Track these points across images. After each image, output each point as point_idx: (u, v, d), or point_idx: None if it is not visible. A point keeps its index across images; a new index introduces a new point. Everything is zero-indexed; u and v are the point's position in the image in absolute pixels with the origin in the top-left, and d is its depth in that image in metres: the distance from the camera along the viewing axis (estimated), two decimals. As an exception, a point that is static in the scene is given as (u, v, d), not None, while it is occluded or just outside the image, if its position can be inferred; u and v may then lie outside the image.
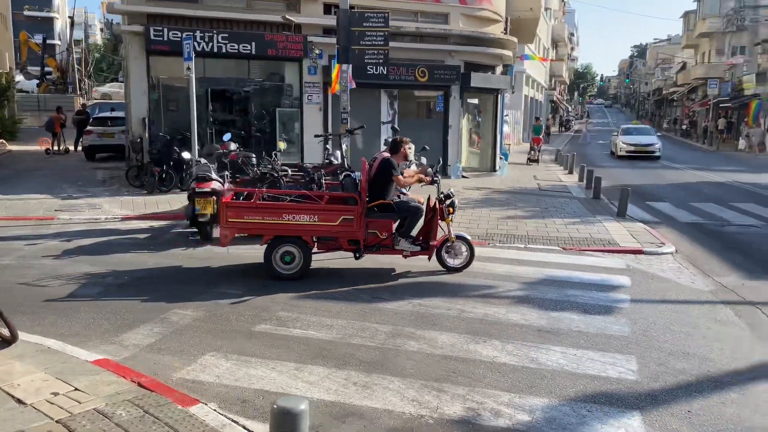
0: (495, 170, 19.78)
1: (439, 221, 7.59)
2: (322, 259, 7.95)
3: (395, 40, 16.53)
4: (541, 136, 26.18)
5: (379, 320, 5.86)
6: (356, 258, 7.55)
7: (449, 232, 7.63)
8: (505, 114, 26.70)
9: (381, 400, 4.25)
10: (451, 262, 7.74)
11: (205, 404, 4.03)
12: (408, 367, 4.80)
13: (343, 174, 8.39)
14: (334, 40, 13.35)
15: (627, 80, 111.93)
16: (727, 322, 6.09)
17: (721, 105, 45.21)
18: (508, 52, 19.17)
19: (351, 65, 11.85)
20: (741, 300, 6.82)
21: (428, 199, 7.79)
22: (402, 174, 7.66)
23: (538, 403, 4.25)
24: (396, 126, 15.22)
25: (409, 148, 7.86)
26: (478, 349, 5.20)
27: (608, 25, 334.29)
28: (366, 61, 11.91)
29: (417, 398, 4.28)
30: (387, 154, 7.60)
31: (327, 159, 11.01)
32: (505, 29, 19.28)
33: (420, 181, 7.85)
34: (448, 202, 7.62)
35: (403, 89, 17.77)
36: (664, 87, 78.01)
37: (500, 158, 21.43)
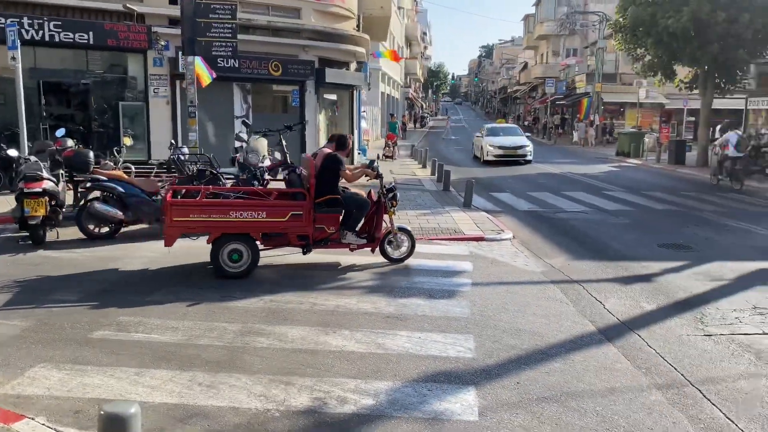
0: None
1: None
2: (164, 261, 7.64)
3: (246, 33, 16.22)
4: (396, 133, 26.76)
5: (229, 319, 5.76)
6: (304, 253, 7.58)
7: (392, 224, 7.85)
8: (362, 110, 27.20)
9: (227, 398, 4.19)
10: (394, 253, 7.94)
11: (32, 419, 3.75)
12: (256, 364, 4.77)
13: (288, 170, 8.27)
14: (180, 31, 12.82)
15: (476, 79, 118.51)
16: (554, 299, 6.69)
17: (557, 102, 49.33)
18: (362, 49, 19.54)
19: (199, 57, 11.46)
20: (567, 279, 7.52)
21: (369, 193, 7.96)
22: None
23: (383, 387, 4.41)
24: (248, 120, 14.93)
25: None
26: (328, 340, 5.29)
27: (459, 26, 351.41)
28: (214, 53, 11.58)
29: (264, 393, 4.27)
30: (328, 150, 7.68)
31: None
32: (358, 26, 19.63)
33: (366, 175, 8.00)
34: (390, 195, 7.80)
35: (258, 83, 17.51)
36: (508, 85, 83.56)
37: (358, 153, 21.82)
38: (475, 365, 4.84)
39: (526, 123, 55.61)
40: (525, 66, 68.46)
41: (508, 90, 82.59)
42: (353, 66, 20.71)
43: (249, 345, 5.14)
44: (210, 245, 7.13)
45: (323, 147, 8.22)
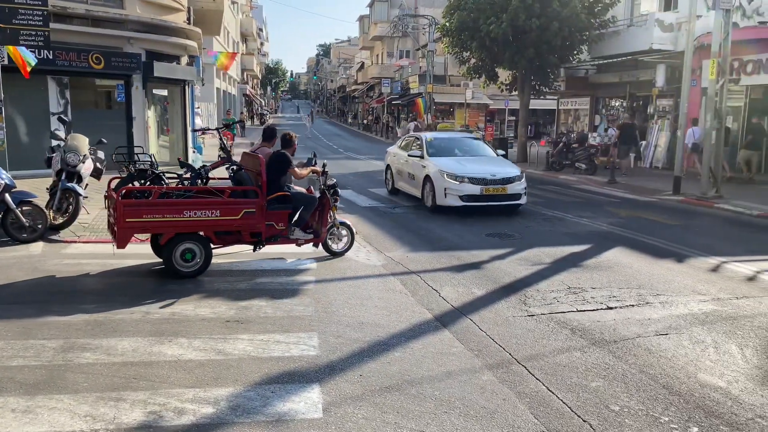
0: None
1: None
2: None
3: (62, 22, 14.86)
4: (233, 131, 25.71)
5: (48, 335, 5.22)
6: (255, 250, 7.77)
7: (334, 218, 8.29)
8: (196, 106, 26.06)
9: (46, 422, 3.78)
10: (335, 246, 8.40)
11: None
12: (81, 382, 4.36)
13: (235, 168, 8.24)
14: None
15: (315, 77, 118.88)
16: (395, 291, 6.91)
17: (393, 102, 51.01)
18: (193, 43, 18.70)
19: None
20: (406, 270, 7.80)
21: (308, 189, 8.26)
22: None
23: (224, 393, 4.25)
24: (66, 117, 13.65)
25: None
26: (163, 349, 4.99)
27: (297, 24, 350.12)
28: (22, 42, 10.41)
29: (91, 413, 3.92)
30: (267, 149, 8.05)
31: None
32: (189, 19, 18.75)
33: (314, 173, 8.21)
34: (332, 191, 8.20)
35: (77, 77, 16.04)
36: (347, 84, 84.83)
37: (193, 152, 20.87)
38: (319, 362, 4.84)
39: (365, 122, 56.90)
40: (362, 66, 69.97)
41: (347, 89, 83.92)
42: (185, 60, 19.77)
43: (72, 362, 4.69)
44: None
45: (260, 145, 8.45)
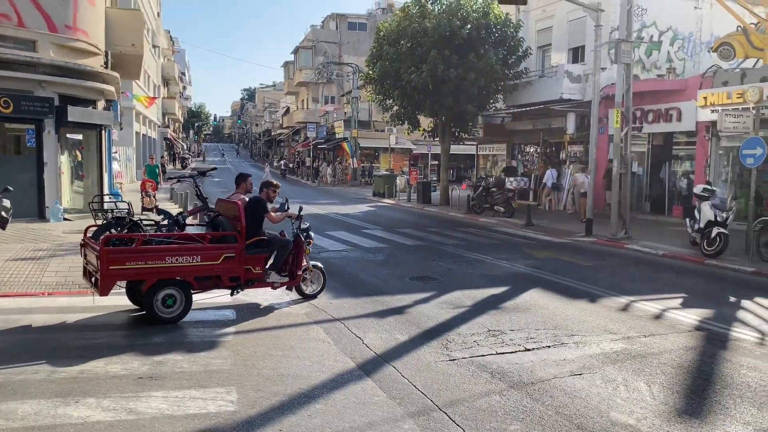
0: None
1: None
2: None
3: (-34, 64, 14.17)
4: (157, 179, 23.96)
5: (-62, 401, 4.81)
6: (232, 294, 7.94)
7: (308, 262, 8.50)
8: (114, 151, 25.20)
9: (-69, 501, 3.46)
10: (308, 289, 8.63)
11: None
12: (-26, 452, 4.04)
13: (213, 215, 8.40)
14: None
15: (239, 121, 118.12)
16: (318, 340, 6.83)
17: (319, 146, 51.32)
18: (110, 87, 18.24)
19: None
20: (330, 318, 7.74)
21: (281, 233, 8.46)
22: None
23: (134, 457, 4.04)
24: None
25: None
26: (69, 411, 4.70)
27: (221, 68, 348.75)
28: None
29: (-16, 487, 3.62)
30: (242, 195, 8.22)
31: None
32: (106, 63, 18.32)
33: (289, 217, 8.40)
34: (305, 234, 8.41)
35: (-18, 121, 15.24)
36: (272, 128, 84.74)
37: (109, 198, 20.12)
38: (237, 418, 4.69)
39: (291, 165, 56.77)
40: (287, 110, 70.25)
41: (273, 133, 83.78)
42: (101, 104, 19.19)
43: (-36, 431, 4.33)
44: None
45: (235, 192, 8.53)
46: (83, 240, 7.72)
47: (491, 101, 23.82)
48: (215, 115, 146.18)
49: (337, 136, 45.75)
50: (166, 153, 56.01)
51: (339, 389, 5.37)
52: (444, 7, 22.50)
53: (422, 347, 6.60)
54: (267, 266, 8.02)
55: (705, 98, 17.21)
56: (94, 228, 8.51)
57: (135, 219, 9.16)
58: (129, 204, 9.71)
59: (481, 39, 21.95)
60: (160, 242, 7.48)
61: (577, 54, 22.94)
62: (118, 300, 7.97)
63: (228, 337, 6.78)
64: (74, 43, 16.61)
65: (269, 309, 8.15)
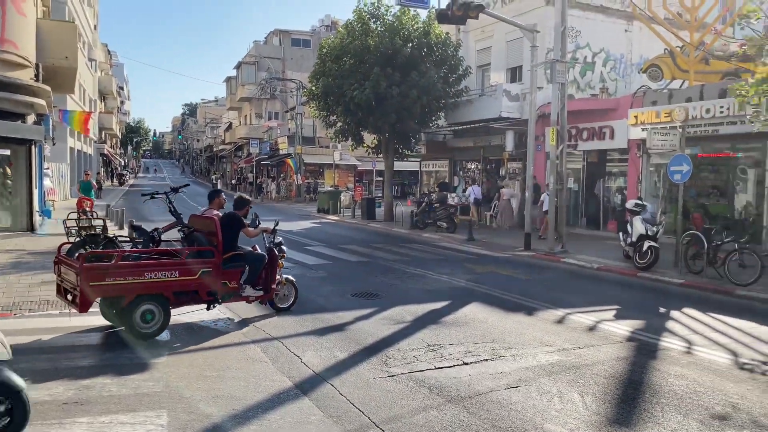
0: (33, 229, 17.71)
1: None
2: None
3: None
4: (92, 195, 23.31)
5: None
6: (208, 309, 8.11)
7: (281, 276, 8.69)
8: (45, 167, 24.23)
9: None
10: (281, 303, 8.79)
11: None
12: None
13: (189, 230, 8.53)
14: None
15: (180, 136, 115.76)
16: (254, 360, 6.68)
17: (262, 162, 50.80)
18: (41, 101, 17.56)
19: None
20: (268, 337, 7.60)
21: (253, 247, 8.61)
22: None
23: (54, 488, 3.83)
24: None
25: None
26: (-16, 442, 4.42)
27: (161, 83, 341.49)
28: None
29: None
30: (215, 210, 8.53)
31: None
32: (36, 76, 17.63)
33: (264, 231, 8.65)
34: (278, 248, 8.57)
35: None
36: (214, 144, 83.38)
37: (40, 216, 19.31)
38: (167, 442, 4.52)
39: (233, 182, 55.95)
40: (230, 126, 69.32)
41: (214, 149, 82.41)
42: (31, 118, 18.44)
43: None
44: None
45: (209, 207, 8.74)
46: (57, 257, 7.80)
47: (433, 118, 24.16)
48: (155, 130, 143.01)
49: (281, 152, 45.41)
50: (102, 169, 54.24)
51: (274, 409, 5.26)
52: (386, 25, 22.76)
53: (362, 364, 6.55)
54: (242, 280, 8.19)
55: (636, 117, 17.96)
56: (68, 245, 8.71)
57: (110, 236, 9.30)
58: (104, 220, 9.76)
59: (422, 57, 22.31)
60: (138, 258, 7.59)
61: (515, 73, 23.59)
62: (42, 322, 7.63)
63: (161, 359, 6.55)
64: (3, 55, 15.94)
65: (205, 329, 7.94)
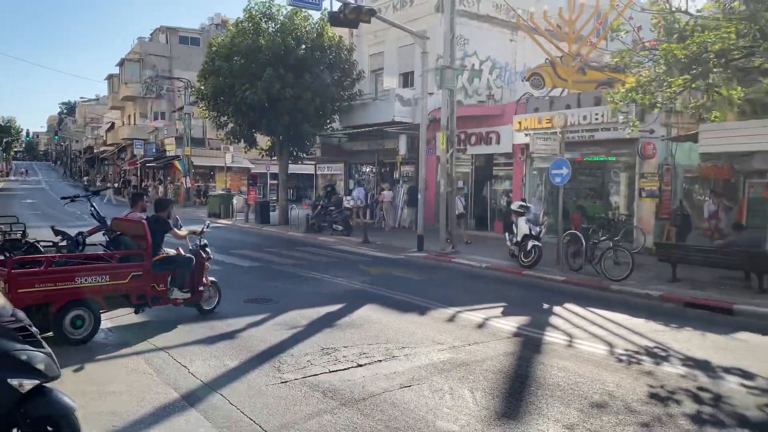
0: None
1: None
2: None
3: None
4: None
5: None
6: (137, 313, 8.17)
7: (206, 277, 8.66)
8: None
9: None
10: (206, 306, 8.75)
11: None
12: None
13: (114, 234, 8.42)
14: None
15: (56, 137, 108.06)
16: (138, 372, 6.30)
17: (148, 164, 48.45)
18: None
19: None
20: (153, 348, 7.19)
21: (176, 249, 8.50)
22: None
23: None
24: None
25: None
26: None
27: (36, 79, 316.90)
28: None
29: None
30: (138, 213, 8.50)
31: None
32: None
33: (193, 233, 8.69)
34: (203, 251, 8.60)
35: None
36: (95, 145, 78.52)
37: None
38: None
39: (116, 185, 52.93)
40: (112, 126, 65.51)
41: (95, 150, 77.60)
42: None
43: None
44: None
45: (131, 211, 8.72)
46: None
47: (328, 121, 24.10)
48: (28, 130, 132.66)
49: (168, 153, 43.49)
50: (-35, 171, 49.54)
51: (159, 423, 4.98)
52: (278, 25, 22.44)
53: (253, 371, 6.36)
54: (172, 284, 8.21)
55: (519, 123, 18.85)
56: None
57: (31, 241, 9.24)
58: (24, 226, 9.81)
59: (316, 60, 22.18)
60: (65, 263, 7.52)
61: (407, 79, 24.06)
62: None
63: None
64: None
65: (83, 341, 7.40)
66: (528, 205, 14.92)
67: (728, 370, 6.64)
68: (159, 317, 8.69)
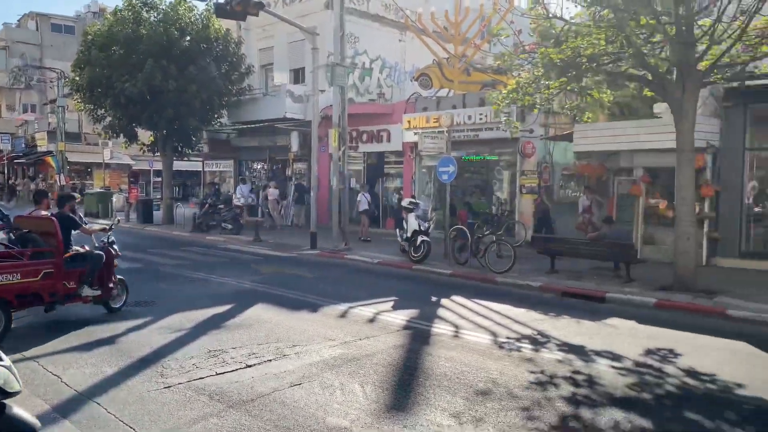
0: None
1: None
2: None
3: None
4: None
5: None
6: (47, 311, 8.02)
7: (115, 275, 8.65)
8: None
9: None
10: (114, 303, 8.72)
11: None
12: None
13: (19, 232, 8.22)
14: None
15: None
16: (1, 385, 5.77)
17: (16, 161, 44.70)
18: None
19: None
20: (20, 357, 6.61)
21: (83, 246, 8.42)
22: None
23: None
24: None
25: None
26: None
27: None
28: None
29: None
30: (44, 211, 8.38)
31: None
32: None
33: (102, 230, 8.82)
34: (113, 248, 8.67)
35: None
36: (-47, 139, 71.29)
37: None
38: None
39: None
40: (-27, 118, 59.70)
41: (-47, 145, 70.42)
42: None
43: None
44: None
45: (36, 208, 8.57)
46: None
47: (215, 116, 23.34)
48: None
49: (39, 149, 40.31)
50: None
51: (26, 439, 4.57)
52: (160, 15, 21.43)
53: (134, 378, 6.02)
54: (82, 281, 8.15)
55: (409, 122, 19.24)
56: None
57: None
58: None
59: (201, 52, 21.40)
60: None
61: (298, 75, 23.81)
62: None
63: None
64: None
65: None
66: (417, 201, 15.26)
67: (600, 354, 7.13)
68: (30, 323, 8.04)
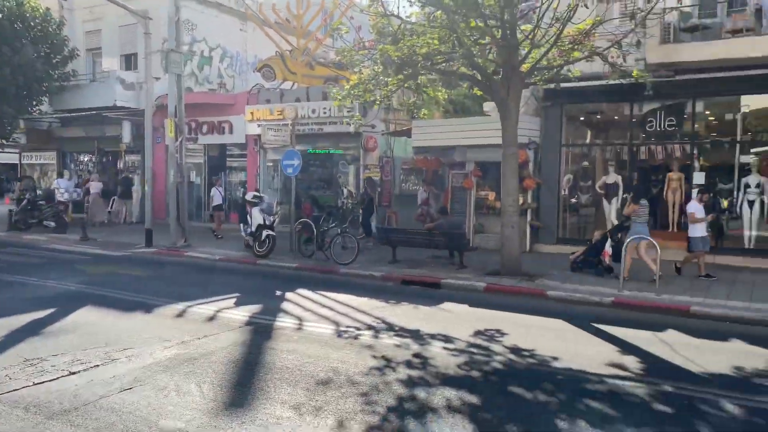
0: None
1: None
2: None
3: None
4: None
5: None
6: None
7: None
8: None
9: None
10: None
11: None
12: None
13: None
14: None
15: None
16: None
17: None
18: None
19: None
20: None
21: None
22: None
23: None
24: None
25: None
26: None
27: None
28: None
29: None
30: None
31: None
32: None
33: None
34: None
35: None
36: None
37: None
38: None
39: None
40: None
41: None
42: None
43: None
44: None
45: None
46: None
47: (34, 103, 21.11)
48: None
49: None
50: None
51: None
52: (-36, -12, 18.96)
53: (-70, 396, 5.30)
54: None
55: (252, 113, 18.82)
56: None
57: None
58: None
59: (16, 32, 19.22)
60: None
61: (130, 61, 22.27)
62: None
63: None
64: None
65: None
66: (261, 195, 15.01)
67: (434, 337, 7.52)
68: None
